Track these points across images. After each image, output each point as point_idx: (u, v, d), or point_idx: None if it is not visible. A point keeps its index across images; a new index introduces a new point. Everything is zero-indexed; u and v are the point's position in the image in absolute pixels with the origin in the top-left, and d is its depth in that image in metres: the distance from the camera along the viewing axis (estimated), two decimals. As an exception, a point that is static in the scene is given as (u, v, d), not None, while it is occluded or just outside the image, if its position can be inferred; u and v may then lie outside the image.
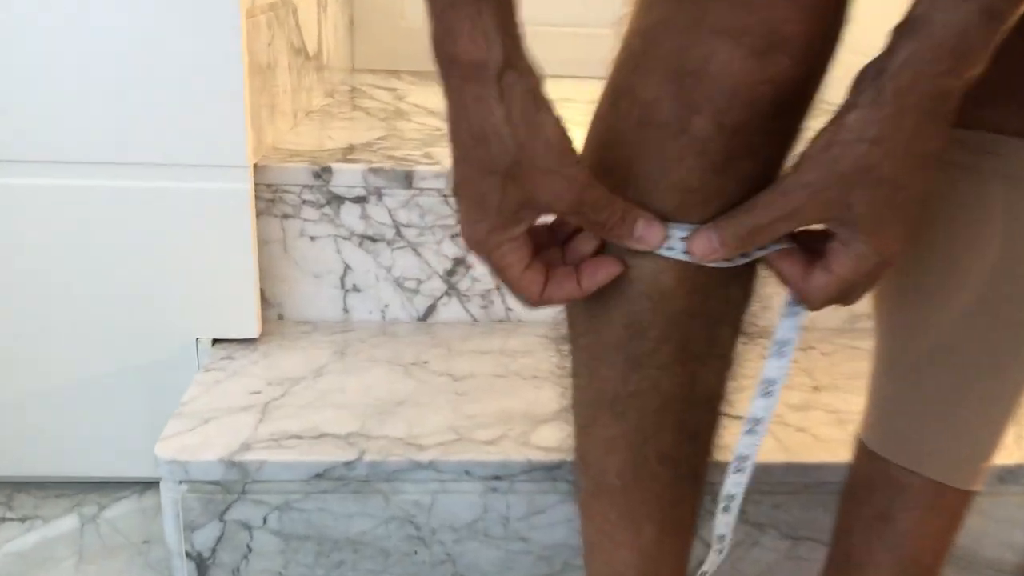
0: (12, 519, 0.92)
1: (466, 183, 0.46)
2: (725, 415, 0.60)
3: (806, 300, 0.51)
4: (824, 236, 0.49)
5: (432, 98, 1.35)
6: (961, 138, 0.55)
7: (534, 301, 0.50)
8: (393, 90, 1.44)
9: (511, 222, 0.46)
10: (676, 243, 0.49)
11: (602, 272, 0.50)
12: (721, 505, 0.58)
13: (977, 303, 0.58)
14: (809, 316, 0.54)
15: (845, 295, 0.50)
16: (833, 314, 1.02)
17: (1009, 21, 0.41)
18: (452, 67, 0.43)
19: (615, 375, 0.54)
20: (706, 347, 0.55)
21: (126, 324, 0.92)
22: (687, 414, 0.56)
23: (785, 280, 0.51)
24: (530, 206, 0.46)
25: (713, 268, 0.50)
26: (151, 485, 0.98)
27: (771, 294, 0.59)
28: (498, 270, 0.48)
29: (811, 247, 0.50)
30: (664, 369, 0.54)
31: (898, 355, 0.63)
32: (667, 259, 0.50)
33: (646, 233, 0.48)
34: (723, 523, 0.58)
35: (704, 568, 0.61)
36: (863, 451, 0.67)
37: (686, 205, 0.48)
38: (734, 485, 0.57)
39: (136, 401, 0.94)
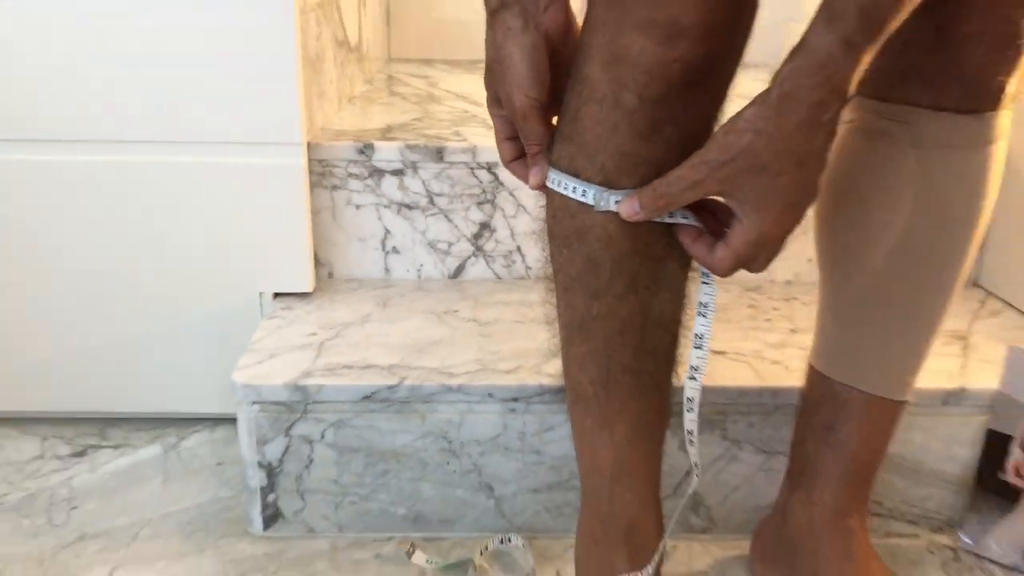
0: (107, 446, 1.09)
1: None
2: (684, 335, 0.72)
3: (713, 270, 0.63)
4: (730, 217, 0.60)
5: (461, 84, 1.50)
6: (880, 109, 0.69)
7: (504, 162, 0.68)
8: (426, 77, 1.59)
9: (493, 103, 0.66)
10: (613, 205, 0.61)
11: (525, 173, 0.67)
12: (686, 407, 0.71)
13: (896, 250, 0.71)
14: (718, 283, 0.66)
15: (746, 264, 0.61)
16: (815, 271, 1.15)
17: (869, 49, 0.52)
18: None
19: (581, 303, 0.67)
20: (653, 281, 0.66)
21: (201, 280, 1.07)
22: (644, 335, 0.67)
23: (695, 256, 0.63)
24: (498, 97, 0.64)
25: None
26: (221, 421, 1.14)
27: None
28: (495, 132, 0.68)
29: (718, 230, 0.62)
30: (619, 298, 0.65)
31: (837, 295, 0.77)
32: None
33: (533, 169, 0.65)
34: (689, 420, 0.71)
35: (693, 461, 0.74)
36: (813, 374, 0.80)
37: (623, 168, 0.60)
38: (690, 390, 0.70)
39: (208, 348, 1.10)
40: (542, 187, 0.65)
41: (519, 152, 0.67)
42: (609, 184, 0.61)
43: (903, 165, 0.69)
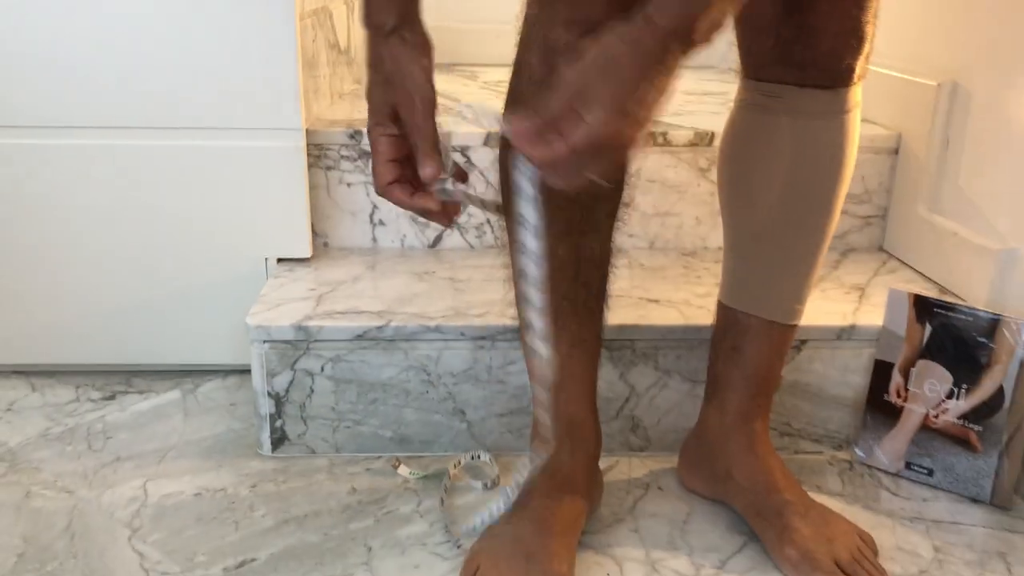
0: (132, 392, 1.26)
1: (368, 91, 0.75)
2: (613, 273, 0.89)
3: (551, 159, 0.64)
4: None
5: (439, 83, 1.68)
6: (760, 88, 0.88)
7: (378, 187, 0.75)
8: (408, 78, 1.77)
9: (385, 120, 0.73)
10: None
11: (402, 197, 0.74)
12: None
13: (779, 199, 0.90)
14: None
15: (577, 163, 0.64)
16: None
17: (715, 3, 0.60)
18: (368, 26, 0.74)
19: None
20: (585, 225, 0.83)
21: (215, 248, 1.25)
22: (579, 270, 0.85)
23: (534, 153, 0.65)
24: (393, 110, 0.72)
25: None
26: (232, 371, 1.31)
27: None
28: (372, 154, 0.75)
29: None
30: (557, 239, 0.81)
31: (736, 240, 0.96)
32: None
33: (427, 163, 0.72)
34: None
35: None
36: (721, 307, 0.99)
37: None
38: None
39: (220, 307, 1.27)
40: (432, 180, 0.73)
41: (397, 175, 0.75)
42: None
43: (780, 130, 0.87)
